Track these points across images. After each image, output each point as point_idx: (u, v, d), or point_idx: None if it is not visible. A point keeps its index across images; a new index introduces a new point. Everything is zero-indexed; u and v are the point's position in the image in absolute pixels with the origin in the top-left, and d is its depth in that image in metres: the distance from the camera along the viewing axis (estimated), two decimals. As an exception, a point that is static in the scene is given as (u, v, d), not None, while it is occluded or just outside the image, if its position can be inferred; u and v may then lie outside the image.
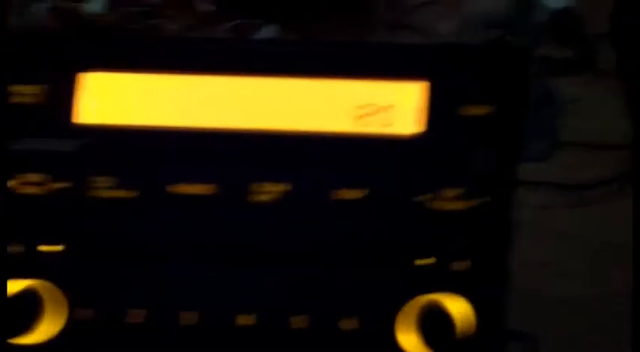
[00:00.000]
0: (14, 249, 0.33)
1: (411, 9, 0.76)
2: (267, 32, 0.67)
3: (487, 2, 0.74)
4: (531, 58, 0.35)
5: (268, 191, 0.33)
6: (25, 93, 0.34)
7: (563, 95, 0.69)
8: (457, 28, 0.73)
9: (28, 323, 0.32)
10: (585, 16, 0.75)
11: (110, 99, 0.34)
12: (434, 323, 0.32)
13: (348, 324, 0.33)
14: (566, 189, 0.61)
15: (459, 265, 0.33)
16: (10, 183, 0.33)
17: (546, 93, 0.36)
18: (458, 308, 0.33)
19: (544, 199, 0.60)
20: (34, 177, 0.33)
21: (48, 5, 0.71)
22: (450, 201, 0.33)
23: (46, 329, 0.32)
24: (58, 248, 0.33)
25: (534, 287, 0.53)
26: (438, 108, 0.33)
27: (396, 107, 0.33)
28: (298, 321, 0.33)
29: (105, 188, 0.33)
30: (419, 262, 0.33)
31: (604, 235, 0.57)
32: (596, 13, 0.76)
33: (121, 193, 0.33)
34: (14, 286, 0.32)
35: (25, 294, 0.32)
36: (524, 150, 0.34)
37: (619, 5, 0.70)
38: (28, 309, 0.32)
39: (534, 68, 0.71)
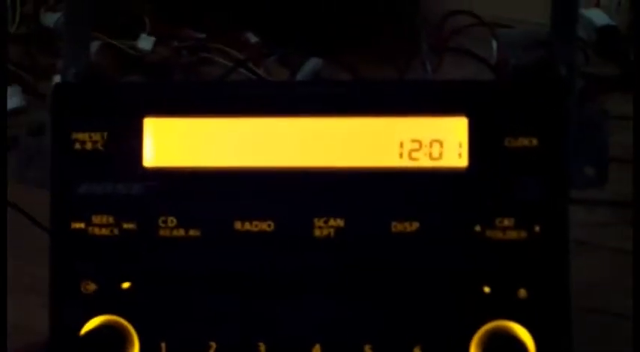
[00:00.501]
0: (86, 287, 0.35)
1: (449, 35, 0.76)
2: (312, 64, 0.68)
3: (526, 24, 0.74)
4: (571, 86, 0.36)
5: (327, 226, 0.34)
6: (88, 140, 0.35)
7: (611, 112, 0.69)
8: (497, 50, 0.74)
9: None
10: (631, 32, 0.75)
11: (172, 142, 0.35)
12: (501, 349, 0.33)
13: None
14: (619, 207, 0.60)
15: (518, 294, 0.34)
16: (78, 225, 0.35)
17: (592, 117, 0.36)
18: (523, 335, 0.33)
19: (599, 217, 0.60)
20: (102, 219, 0.35)
21: (98, 44, 0.74)
22: (501, 230, 0.34)
23: None
24: (127, 285, 0.34)
25: (598, 305, 0.53)
26: (482, 142, 0.34)
27: (441, 141, 0.35)
28: (369, 350, 0.34)
29: (171, 227, 0.34)
30: (486, 289, 0.34)
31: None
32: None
33: (186, 232, 0.34)
34: (94, 322, 0.34)
35: (107, 330, 0.34)
36: (574, 176, 0.35)
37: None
38: (111, 345, 0.33)
39: (582, 86, 0.71)
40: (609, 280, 0.55)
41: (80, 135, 0.35)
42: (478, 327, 0.34)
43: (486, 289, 0.34)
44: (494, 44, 0.75)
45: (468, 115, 0.34)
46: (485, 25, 0.76)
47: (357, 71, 0.68)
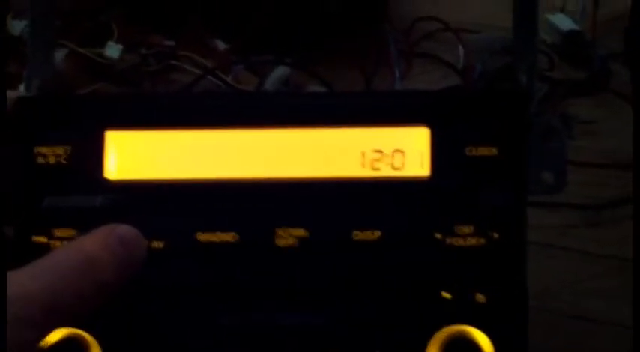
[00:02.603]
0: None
1: (417, 40, 0.77)
2: (280, 71, 0.69)
3: (493, 29, 0.75)
4: (530, 95, 0.36)
5: (290, 236, 0.34)
6: (50, 153, 0.35)
7: (577, 117, 0.70)
8: (464, 55, 0.74)
9: None
10: (595, 37, 0.76)
11: (135, 155, 0.35)
12: None
13: None
14: (584, 209, 0.61)
15: (476, 299, 0.34)
16: (40, 239, 0.35)
17: (550, 125, 0.37)
18: (481, 339, 0.34)
19: (563, 219, 0.61)
20: (64, 232, 0.35)
21: (65, 52, 0.73)
22: (461, 237, 0.34)
23: None
24: None
25: (556, 306, 0.54)
26: (444, 151, 0.35)
27: (403, 151, 0.35)
28: None
29: None
30: (444, 294, 0.34)
31: (623, 253, 0.57)
32: (606, 35, 0.77)
33: (149, 244, 0.34)
34: (56, 334, 0.33)
35: (70, 342, 0.34)
36: (531, 184, 0.36)
37: (634, 24, 0.71)
38: None
39: (547, 91, 0.72)
40: (572, 282, 0.56)
41: (43, 149, 0.35)
42: (438, 331, 0.34)
43: (446, 294, 0.34)
44: (462, 50, 0.75)
45: (429, 125, 0.35)
46: (452, 30, 0.77)
47: (326, 78, 0.68)
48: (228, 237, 0.35)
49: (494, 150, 0.35)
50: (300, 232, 0.35)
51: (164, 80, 0.75)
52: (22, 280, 0.29)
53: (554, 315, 0.53)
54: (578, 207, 0.62)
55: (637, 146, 0.42)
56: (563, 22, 0.78)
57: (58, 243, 0.35)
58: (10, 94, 0.36)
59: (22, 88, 0.39)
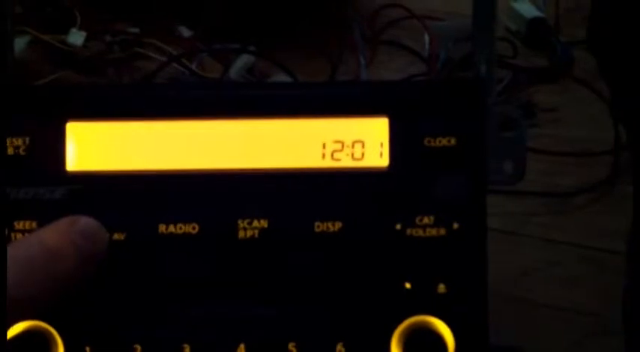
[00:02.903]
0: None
1: (382, 27, 0.77)
2: (244, 59, 0.69)
3: (458, 17, 0.75)
4: (489, 85, 0.37)
5: (251, 227, 0.35)
6: (9, 145, 0.35)
7: (540, 104, 0.71)
8: (429, 43, 0.75)
9: None
10: (559, 24, 0.77)
11: (95, 146, 0.35)
12: (421, 344, 0.34)
13: (342, 349, 0.34)
14: (547, 197, 0.62)
15: (437, 289, 0.35)
16: None
17: (510, 115, 0.37)
18: (443, 329, 0.34)
19: (527, 207, 0.61)
20: (25, 224, 0.34)
21: (27, 39, 0.72)
22: (422, 228, 0.35)
23: None
24: None
25: (520, 294, 0.54)
26: (403, 142, 0.35)
27: (363, 142, 0.35)
28: (293, 349, 0.34)
29: None
30: (407, 285, 0.35)
31: (587, 242, 0.58)
32: (569, 22, 0.77)
33: (110, 236, 0.34)
34: (17, 327, 0.33)
35: (31, 335, 0.33)
36: (491, 174, 0.36)
37: (597, 11, 0.72)
38: (36, 349, 0.33)
39: (510, 78, 0.72)
40: (536, 269, 0.57)
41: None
42: (399, 323, 0.34)
43: (407, 285, 0.35)
44: (427, 37, 0.76)
45: (388, 116, 0.35)
46: (417, 17, 0.77)
47: (290, 66, 0.68)
48: (190, 228, 0.35)
49: (452, 140, 0.35)
50: (262, 223, 0.35)
51: (129, 68, 0.75)
52: None
53: (517, 303, 0.54)
54: (541, 194, 0.62)
55: (637, 146, 0.43)
56: (527, 9, 0.79)
57: (18, 235, 0.34)
58: None
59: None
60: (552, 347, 0.51)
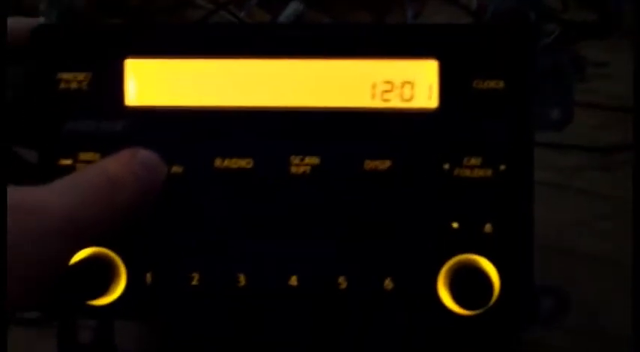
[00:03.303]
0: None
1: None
2: (293, 7, 0.69)
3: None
4: (538, 31, 0.37)
5: (303, 163, 0.36)
6: (73, 79, 0.36)
7: (589, 59, 0.70)
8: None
9: (102, 286, 0.35)
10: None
11: (153, 82, 0.36)
12: (467, 282, 0.35)
13: (390, 284, 0.36)
14: (594, 151, 0.62)
15: (483, 229, 0.35)
16: (65, 162, 0.36)
17: (559, 62, 0.37)
18: (488, 268, 0.35)
19: (574, 161, 0.62)
20: (88, 155, 0.36)
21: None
22: (469, 168, 0.36)
23: (114, 291, 0.36)
24: None
25: (565, 246, 0.55)
26: (451, 84, 0.36)
27: (412, 83, 0.36)
28: (343, 283, 0.36)
29: None
30: (454, 225, 0.36)
31: (630, 195, 0.58)
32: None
33: (169, 168, 0.35)
34: (81, 254, 0.35)
35: (96, 260, 0.35)
36: (539, 119, 0.37)
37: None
38: (99, 274, 0.35)
39: (559, 33, 0.71)
40: (578, 222, 0.57)
41: (65, 75, 0.36)
42: (446, 261, 0.35)
43: (454, 224, 0.36)
44: (475, -10, 0.75)
45: (438, 58, 0.36)
46: (466, -31, 0.77)
47: (338, 16, 0.69)
48: (244, 163, 0.36)
49: (500, 84, 0.35)
50: (313, 160, 0.36)
51: (177, 15, 0.75)
52: (42, 194, 0.30)
53: (563, 254, 0.54)
54: (588, 149, 0.62)
55: (637, 142, 0.43)
56: (578, -37, 0.78)
57: (82, 166, 0.36)
58: (30, 21, 0.37)
59: (40, 20, 0.40)
60: (596, 299, 0.51)
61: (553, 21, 0.71)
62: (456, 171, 0.35)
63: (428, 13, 0.76)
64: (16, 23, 0.36)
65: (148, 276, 0.36)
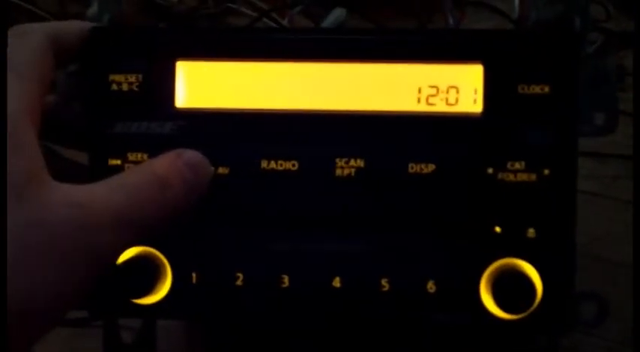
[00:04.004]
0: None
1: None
2: (335, 15, 0.69)
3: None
4: (583, 37, 0.37)
5: (348, 166, 0.36)
6: (124, 81, 0.37)
7: (628, 69, 0.70)
8: (518, 4, 0.74)
9: (149, 285, 0.36)
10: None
11: (203, 85, 0.37)
12: (510, 286, 0.35)
13: (433, 287, 0.36)
14: (631, 160, 0.62)
15: (526, 234, 0.36)
16: (115, 162, 0.37)
17: (604, 69, 0.37)
18: (531, 272, 0.35)
19: (611, 170, 0.61)
20: (137, 156, 0.37)
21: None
22: (512, 173, 0.36)
23: (159, 290, 0.36)
24: None
25: (603, 254, 0.55)
26: (497, 88, 0.36)
27: (458, 88, 0.36)
28: (386, 285, 0.36)
29: None
30: (497, 229, 0.36)
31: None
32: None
33: (216, 169, 0.36)
34: (129, 253, 0.36)
35: (142, 259, 0.36)
36: (583, 125, 0.37)
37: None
38: (146, 273, 0.36)
39: (602, 42, 0.71)
40: (619, 231, 0.57)
41: (117, 77, 0.37)
42: (489, 264, 0.36)
43: (497, 228, 0.36)
44: (517, -2, 0.75)
45: (483, 63, 0.36)
46: (508, -22, 0.77)
47: (380, 23, 0.69)
48: (290, 165, 0.36)
49: (545, 89, 0.36)
50: (358, 163, 0.36)
51: (221, 22, 0.77)
52: (91, 191, 0.30)
53: (600, 262, 0.54)
54: (627, 157, 0.62)
55: (637, 144, 0.43)
56: (621, -27, 0.78)
57: (131, 166, 0.37)
58: (82, 25, 0.38)
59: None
60: (631, 307, 0.51)
61: (595, 30, 0.71)
62: (500, 176, 0.36)
63: (469, 21, 0.76)
64: (68, 26, 0.36)
65: (194, 276, 0.37)
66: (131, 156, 0.37)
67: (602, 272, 0.53)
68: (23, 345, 0.28)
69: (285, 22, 0.73)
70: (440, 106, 0.36)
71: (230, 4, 0.77)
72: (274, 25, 0.73)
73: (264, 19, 0.74)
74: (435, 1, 0.74)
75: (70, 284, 0.29)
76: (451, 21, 0.73)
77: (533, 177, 0.36)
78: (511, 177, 0.36)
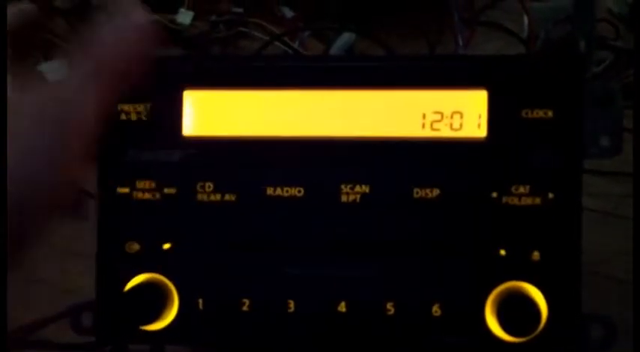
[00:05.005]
0: (130, 247, 0.37)
1: (481, 9, 0.77)
2: (345, 38, 0.70)
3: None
4: (587, 60, 0.37)
5: (353, 192, 0.36)
6: (132, 111, 0.38)
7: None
8: (528, 24, 0.74)
9: (156, 311, 0.36)
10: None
11: (210, 113, 0.38)
12: (515, 309, 0.35)
13: (438, 310, 0.36)
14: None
15: (531, 257, 0.36)
16: (123, 190, 0.37)
17: (610, 90, 0.38)
18: (536, 295, 0.36)
19: (619, 188, 0.61)
20: (145, 184, 0.37)
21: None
22: (517, 197, 0.36)
23: (167, 316, 0.37)
24: (168, 246, 0.37)
25: (612, 273, 0.54)
26: (500, 113, 0.36)
27: (462, 113, 0.37)
28: (391, 309, 0.36)
29: (208, 192, 0.37)
30: (501, 252, 0.36)
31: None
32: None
33: (222, 197, 0.36)
34: (136, 280, 0.36)
35: (149, 285, 0.36)
36: (588, 147, 0.37)
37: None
38: (152, 300, 0.36)
39: (612, 60, 0.71)
40: (625, 250, 0.56)
41: (125, 107, 0.38)
42: (494, 287, 0.36)
43: (502, 252, 0.36)
44: (526, 19, 0.75)
45: (487, 88, 0.36)
46: (517, -2, 0.77)
47: (389, 45, 0.69)
48: (295, 191, 0.37)
49: (549, 113, 0.36)
50: (364, 188, 0.36)
51: (232, 46, 0.77)
52: None
53: (609, 282, 0.54)
54: (636, 176, 0.62)
55: (637, 146, 0.43)
56: (630, -9, 0.78)
57: (139, 194, 0.37)
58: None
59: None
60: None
61: (605, 48, 0.71)
62: (504, 199, 0.36)
63: (478, 41, 0.76)
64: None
65: (200, 302, 0.37)
66: (139, 184, 0.37)
67: (611, 291, 0.53)
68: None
69: (296, 46, 0.74)
70: (444, 131, 0.37)
71: (242, 28, 0.78)
72: (286, 48, 0.74)
73: (276, 43, 0.74)
74: (444, 21, 0.74)
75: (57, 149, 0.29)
76: (460, 41, 0.73)
77: (538, 200, 0.36)
78: (515, 200, 0.36)
